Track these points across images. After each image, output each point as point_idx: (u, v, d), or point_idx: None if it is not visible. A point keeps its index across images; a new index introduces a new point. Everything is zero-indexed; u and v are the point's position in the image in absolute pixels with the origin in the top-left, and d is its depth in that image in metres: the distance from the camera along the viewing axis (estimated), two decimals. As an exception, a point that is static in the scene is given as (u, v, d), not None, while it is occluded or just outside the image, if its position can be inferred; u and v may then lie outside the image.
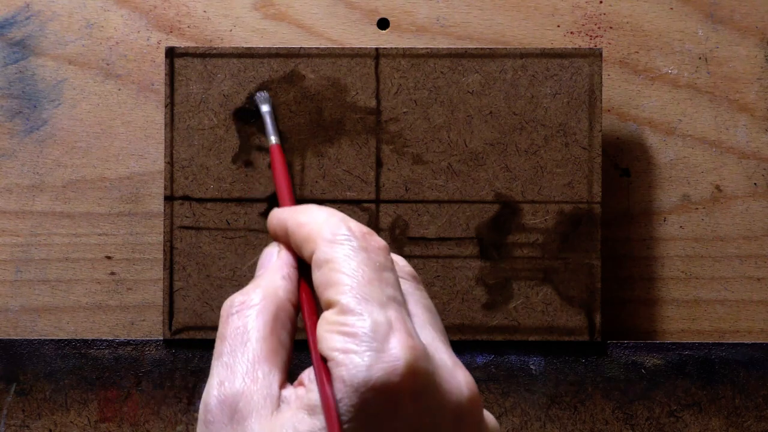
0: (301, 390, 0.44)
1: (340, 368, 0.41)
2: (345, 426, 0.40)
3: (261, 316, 0.46)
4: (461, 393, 0.42)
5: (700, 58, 0.70)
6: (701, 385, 0.68)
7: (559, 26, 0.70)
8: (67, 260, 0.69)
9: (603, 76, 0.68)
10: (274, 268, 0.48)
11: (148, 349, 0.67)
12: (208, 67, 0.67)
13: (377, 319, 0.42)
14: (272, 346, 0.45)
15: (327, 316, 0.44)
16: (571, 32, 0.70)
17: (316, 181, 0.67)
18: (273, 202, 0.67)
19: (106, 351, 0.67)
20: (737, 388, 0.68)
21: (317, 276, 0.45)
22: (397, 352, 0.41)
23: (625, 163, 0.70)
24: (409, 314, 0.44)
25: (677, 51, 0.70)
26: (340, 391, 0.41)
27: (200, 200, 0.67)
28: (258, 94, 0.66)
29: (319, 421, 0.42)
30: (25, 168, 0.70)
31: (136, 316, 0.69)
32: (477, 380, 0.67)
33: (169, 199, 0.67)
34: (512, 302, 0.67)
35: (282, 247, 0.50)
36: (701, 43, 0.70)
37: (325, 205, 0.66)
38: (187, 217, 0.67)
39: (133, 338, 0.68)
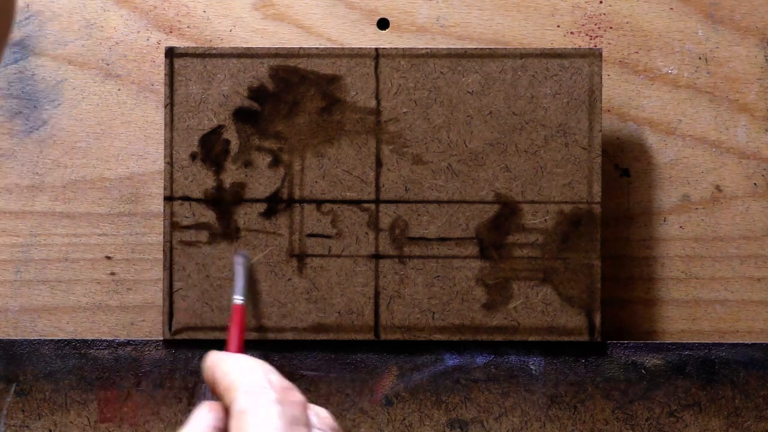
0: None
1: None
2: None
3: None
4: None
5: (700, 58, 0.70)
6: (701, 385, 0.67)
7: (559, 26, 0.70)
8: (67, 260, 0.69)
9: (603, 76, 0.68)
10: (193, 428, 0.48)
11: (148, 350, 0.67)
12: (207, 67, 0.67)
13: None
14: None
15: None
16: (571, 32, 0.70)
17: (316, 181, 0.67)
18: (273, 202, 0.67)
19: (106, 351, 0.67)
20: (737, 388, 0.67)
21: (232, 427, 0.46)
22: None
23: (625, 163, 0.70)
24: None
25: (677, 51, 0.70)
26: None
27: (200, 200, 0.67)
28: (239, 252, 0.66)
29: None
30: (25, 168, 0.70)
31: (136, 317, 0.69)
32: (477, 380, 0.67)
33: (168, 199, 0.67)
34: (512, 302, 0.67)
35: (212, 407, 0.50)
36: (701, 43, 0.70)
37: (325, 206, 0.66)
38: (187, 217, 0.67)
39: (133, 338, 0.68)
